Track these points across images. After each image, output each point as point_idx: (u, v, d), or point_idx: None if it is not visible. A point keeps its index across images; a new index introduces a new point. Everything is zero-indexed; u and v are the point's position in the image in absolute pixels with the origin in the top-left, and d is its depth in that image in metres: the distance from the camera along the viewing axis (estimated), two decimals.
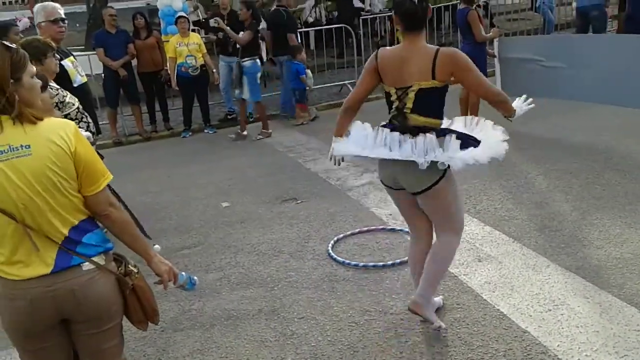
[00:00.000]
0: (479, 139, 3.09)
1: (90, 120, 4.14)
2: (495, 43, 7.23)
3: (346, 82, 10.37)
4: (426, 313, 3.19)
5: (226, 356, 3.30)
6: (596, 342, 3.04)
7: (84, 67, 5.35)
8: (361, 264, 4.15)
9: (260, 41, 10.69)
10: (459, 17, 7.06)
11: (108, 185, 2.20)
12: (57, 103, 3.79)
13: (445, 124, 3.13)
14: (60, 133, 2.05)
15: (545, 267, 3.85)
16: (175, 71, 8.51)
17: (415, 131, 2.96)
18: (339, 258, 4.26)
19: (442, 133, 2.98)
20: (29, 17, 14.24)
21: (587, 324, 3.20)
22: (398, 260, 4.12)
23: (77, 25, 13.24)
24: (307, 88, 9.12)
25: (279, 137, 8.31)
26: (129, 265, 2.30)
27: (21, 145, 1.98)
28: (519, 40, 9.07)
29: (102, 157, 3.00)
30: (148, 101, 9.15)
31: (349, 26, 10.86)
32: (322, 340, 3.33)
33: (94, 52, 8.65)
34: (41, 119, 2.05)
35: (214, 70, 8.85)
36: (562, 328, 3.18)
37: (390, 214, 5.01)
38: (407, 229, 4.59)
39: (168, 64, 8.64)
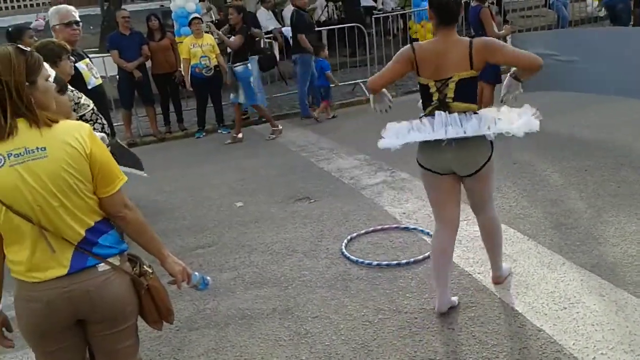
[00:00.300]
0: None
1: (104, 122, 4.17)
2: (509, 39, 7.19)
3: (359, 80, 10.36)
4: (506, 279, 3.69)
5: (241, 355, 3.32)
6: (612, 340, 3.01)
7: (99, 69, 5.40)
8: (375, 262, 4.15)
9: (273, 41, 10.76)
10: (472, 15, 7.02)
11: None
12: (72, 105, 3.83)
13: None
14: (75, 135, 2.06)
15: (561, 265, 3.82)
16: (189, 72, 8.56)
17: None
18: (352, 257, 4.26)
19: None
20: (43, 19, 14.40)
21: (603, 322, 3.17)
22: (412, 259, 4.12)
23: (91, 27, 13.37)
24: (332, 85, 9.16)
25: (292, 136, 8.33)
26: (144, 266, 2.31)
27: (37, 148, 2.00)
28: (532, 36, 9.00)
29: (116, 159, 3.03)
30: (162, 102, 9.21)
31: (360, 25, 10.84)
32: (336, 339, 3.33)
33: (109, 54, 8.72)
34: (56, 122, 2.07)
35: (227, 71, 8.88)
36: (578, 326, 3.16)
37: (404, 213, 5.01)
38: (420, 228, 4.62)
39: (182, 65, 8.68)
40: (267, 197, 5.82)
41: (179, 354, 3.40)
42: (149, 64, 8.90)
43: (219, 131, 9.11)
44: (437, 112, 3.16)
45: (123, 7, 11.87)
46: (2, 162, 1.98)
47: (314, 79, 9.22)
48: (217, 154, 7.95)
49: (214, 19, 11.55)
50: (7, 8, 21.07)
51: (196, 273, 2.44)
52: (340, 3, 13.10)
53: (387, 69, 3.28)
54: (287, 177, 6.44)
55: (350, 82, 10.79)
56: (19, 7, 21.29)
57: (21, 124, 2.01)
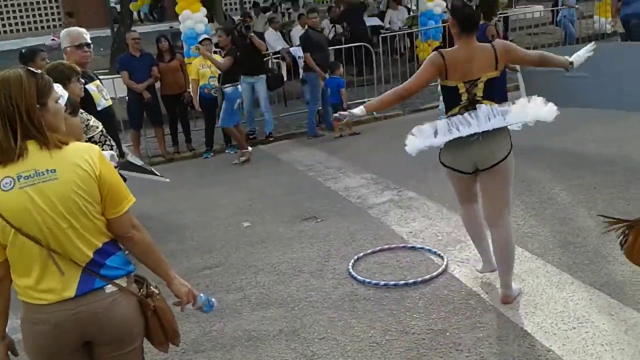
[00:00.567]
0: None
1: (113, 143, 4.21)
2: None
3: (366, 99, 10.39)
4: (515, 298, 3.68)
5: None
6: None
7: (109, 90, 5.45)
8: (382, 282, 4.14)
9: (281, 61, 10.85)
10: (478, 33, 7.04)
11: None
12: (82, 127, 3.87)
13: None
14: (85, 157, 2.08)
15: (569, 284, 3.79)
16: (198, 92, 8.63)
17: None
18: (359, 277, 4.25)
19: None
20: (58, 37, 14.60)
21: (613, 341, 3.14)
22: (419, 279, 4.10)
23: (102, 49, 13.52)
24: (343, 104, 9.26)
25: (299, 155, 8.35)
26: (150, 287, 2.31)
27: (47, 170, 2.02)
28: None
29: (124, 179, 3.05)
30: (171, 123, 9.27)
31: (367, 44, 10.92)
32: None
33: (119, 76, 8.81)
34: (67, 144, 2.09)
35: None
36: (587, 346, 3.13)
37: (411, 232, 4.99)
38: (427, 247, 4.61)
39: (191, 86, 8.76)
40: (274, 217, 5.83)
41: None
42: (157, 84, 8.98)
43: (227, 151, 9.14)
44: (480, 106, 3.46)
45: (133, 28, 12.01)
46: (12, 184, 2.00)
47: (326, 97, 9.29)
48: (225, 174, 7.98)
49: None
50: (18, 30, 21.40)
51: (201, 295, 2.44)
52: (345, 23, 13.21)
53: (420, 75, 3.58)
54: (294, 196, 6.45)
55: (358, 101, 10.82)
56: (30, 29, 21.62)
57: (31, 146, 2.03)
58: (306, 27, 9.80)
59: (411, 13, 14.68)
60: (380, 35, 11.59)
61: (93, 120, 4.10)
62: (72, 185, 2.03)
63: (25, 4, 21.47)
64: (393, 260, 4.51)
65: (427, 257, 4.51)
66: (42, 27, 21.51)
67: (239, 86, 8.17)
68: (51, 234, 2.04)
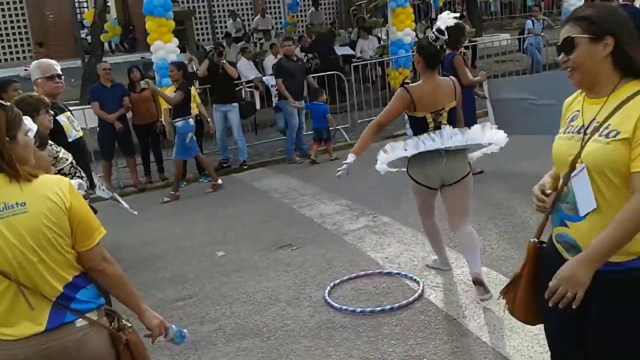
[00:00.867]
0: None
1: (83, 175, 4.14)
2: (485, 85, 7.34)
3: (339, 127, 10.48)
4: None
5: None
6: None
7: (79, 121, 5.39)
8: (359, 309, 4.11)
9: (254, 90, 10.90)
10: (446, 62, 7.17)
11: None
12: (50, 159, 3.80)
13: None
14: (55, 189, 2.06)
15: None
16: (170, 122, 8.58)
17: None
18: (335, 304, 4.22)
19: None
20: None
21: None
22: (396, 305, 4.08)
23: (72, 80, 13.42)
24: (331, 128, 9.47)
25: (273, 183, 8.34)
26: (122, 320, 2.27)
27: (17, 203, 1.99)
28: (508, 81, 9.22)
29: (95, 211, 3.00)
30: (143, 152, 9.21)
31: (339, 72, 11.04)
32: None
33: (89, 106, 8.74)
34: (36, 176, 2.07)
35: (209, 120, 8.94)
36: None
37: (387, 257, 4.99)
38: (403, 272, 4.61)
39: (163, 116, 8.72)
40: (249, 245, 5.78)
41: None
42: (129, 114, 8.93)
43: (201, 180, 9.09)
44: (444, 127, 3.99)
45: (104, 59, 11.98)
46: None
47: (300, 124, 9.37)
48: (199, 203, 7.92)
49: (195, 69, 11.69)
50: None
51: (173, 326, 2.42)
52: (316, 53, 13.38)
53: (391, 109, 4.09)
54: (269, 224, 6.41)
55: (331, 128, 10.89)
56: None
57: (1, 179, 2.01)
58: (278, 55, 9.87)
59: (381, 42, 14.93)
60: (352, 64, 11.74)
61: (63, 152, 4.03)
62: (42, 218, 2.01)
63: None
64: (369, 287, 4.49)
65: (403, 282, 4.50)
66: (12, 59, 21.30)
67: (190, 120, 8.13)
68: (21, 268, 2.00)
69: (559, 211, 2.11)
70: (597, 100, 2.04)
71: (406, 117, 4.25)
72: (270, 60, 12.41)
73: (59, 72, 4.87)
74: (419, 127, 4.05)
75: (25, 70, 16.26)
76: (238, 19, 19.65)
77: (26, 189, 2.02)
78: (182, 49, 11.75)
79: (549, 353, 3.26)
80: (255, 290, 4.71)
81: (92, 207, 2.37)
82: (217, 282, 4.98)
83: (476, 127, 4.10)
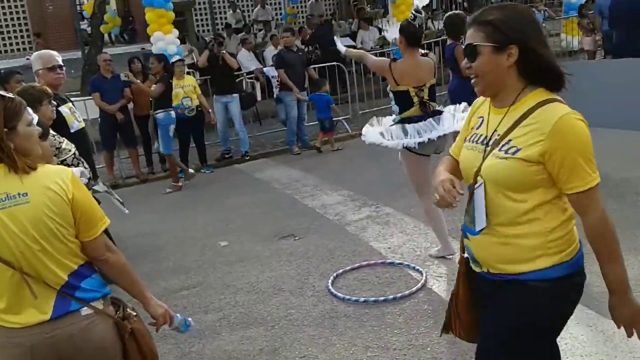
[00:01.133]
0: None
1: (86, 166, 4.15)
2: None
3: (341, 117, 10.46)
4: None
5: None
6: None
7: (80, 112, 5.40)
8: (362, 299, 4.12)
9: (255, 81, 10.88)
10: (447, 52, 7.16)
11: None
12: (53, 149, 3.80)
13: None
14: (57, 180, 2.06)
15: None
16: None
17: (437, 112, 4.44)
18: (339, 294, 4.23)
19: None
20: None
21: (592, 352, 3.17)
22: (399, 294, 4.10)
23: (73, 71, 13.39)
24: (335, 118, 9.50)
25: (275, 174, 8.34)
26: (127, 309, 2.28)
27: (18, 194, 2.00)
28: None
29: (98, 202, 3.00)
30: (144, 143, 9.20)
31: (340, 63, 11.01)
32: None
33: (90, 97, 8.73)
34: (35, 168, 2.06)
35: (210, 111, 8.94)
36: (567, 357, 3.15)
37: (389, 248, 5.00)
38: (406, 262, 4.62)
39: None
40: (252, 236, 5.79)
41: None
42: (130, 105, 8.92)
43: (202, 171, 9.09)
44: (443, 113, 4.42)
45: (104, 50, 11.95)
46: None
47: (301, 115, 9.37)
48: (201, 193, 7.92)
49: (195, 60, 11.65)
50: None
51: (178, 315, 2.43)
52: (317, 45, 13.34)
53: (374, 61, 4.66)
54: (271, 214, 6.42)
55: (334, 119, 10.87)
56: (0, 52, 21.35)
57: (0, 170, 2.01)
58: (278, 47, 9.84)
59: (382, 33, 14.86)
60: None
61: (65, 143, 4.03)
62: (44, 209, 2.01)
63: None
64: (372, 277, 4.50)
65: (406, 272, 4.51)
66: (12, 50, 21.25)
67: (171, 112, 8.10)
68: (24, 257, 2.01)
69: (464, 223, 2.05)
70: (501, 110, 1.96)
71: (391, 95, 4.63)
72: (270, 52, 12.37)
73: (60, 63, 4.87)
74: (404, 101, 4.40)
75: (28, 59, 16.25)
76: (238, 10, 19.58)
77: (27, 179, 2.02)
78: (182, 40, 11.73)
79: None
80: (259, 280, 4.72)
81: (95, 198, 2.37)
82: (220, 272, 4.99)
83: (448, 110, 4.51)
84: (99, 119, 8.80)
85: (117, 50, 16.67)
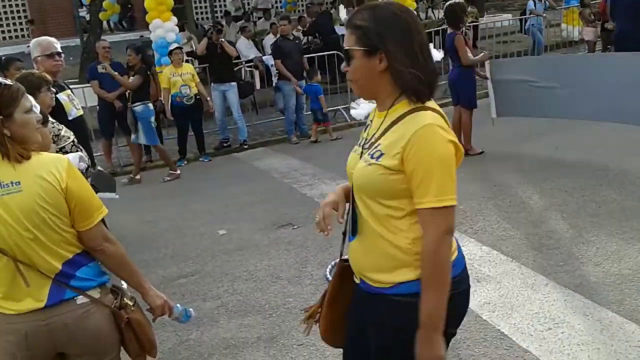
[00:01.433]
0: None
1: (85, 153, 4.14)
2: (487, 65, 7.29)
3: (340, 107, 10.44)
4: None
5: None
6: (597, 359, 3.02)
7: (79, 99, 5.38)
8: None
9: (254, 70, 10.85)
10: (447, 42, 7.15)
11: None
12: (52, 137, 3.80)
13: None
14: (51, 169, 2.04)
15: (544, 286, 3.84)
16: (170, 101, 8.57)
17: None
18: None
19: None
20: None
21: (588, 341, 3.18)
22: None
23: (71, 58, 13.34)
24: (324, 110, 9.41)
25: (273, 163, 8.33)
26: (125, 299, 2.26)
27: (11, 182, 1.99)
28: (511, 62, 9.16)
29: (96, 190, 2.99)
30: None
31: (339, 52, 10.97)
32: None
33: (89, 85, 8.70)
34: (29, 157, 2.04)
35: (208, 99, 8.92)
36: (563, 346, 3.17)
37: None
38: None
39: (162, 95, 8.69)
40: (250, 224, 5.79)
41: None
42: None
43: (201, 159, 9.10)
44: None
45: (103, 38, 11.89)
46: None
47: (300, 104, 9.32)
48: (199, 182, 7.92)
49: (194, 48, 11.61)
50: None
51: (178, 305, 2.42)
52: (317, 33, 13.30)
53: None
54: (270, 203, 6.42)
55: (331, 108, 10.86)
56: None
57: None
58: (277, 35, 9.81)
59: None
60: None
61: (64, 130, 4.02)
62: (37, 198, 2.00)
63: None
64: None
65: None
66: (10, 37, 21.16)
67: (149, 104, 8.06)
68: (17, 246, 2.01)
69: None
70: (381, 114, 1.88)
71: None
72: (269, 40, 12.33)
73: (59, 49, 4.85)
74: None
75: (28, 47, 16.19)
76: None
77: (20, 168, 2.01)
78: (181, 27, 11.67)
79: (549, 331, 3.32)
80: (257, 268, 4.73)
81: (93, 186, 2.36)
82: (218, 260, 5.00)
83: None
84: (97, 107, 8.78)
85: (115, 37, 16.61)
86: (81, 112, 4.87)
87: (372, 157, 1.81)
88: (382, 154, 1.79)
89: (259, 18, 17.27)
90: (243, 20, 15.72)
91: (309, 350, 3.47)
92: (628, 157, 6.19)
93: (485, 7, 18.47)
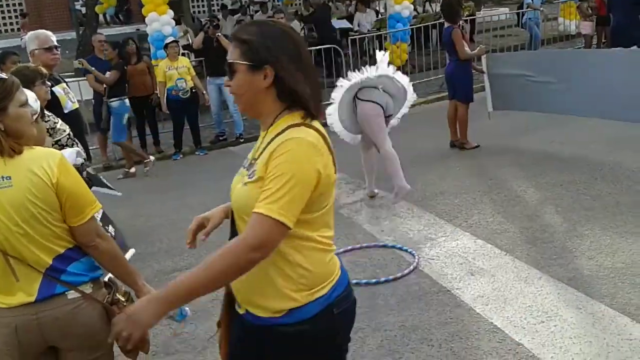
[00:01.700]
0: None
1: (80, 147, 4.14)
2: (484, 60, 7.30)
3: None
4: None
5: None
6: (590, 352, 3.04)
7: (74, 93, 5.37)
8: (354, 281, 4.14)
9: None
10: (445, 36, 7.14)
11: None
12: (48, 130, 3.79)
13: None
14: (42, 164, 2.02)
15: (538, 279, 3.86)
16: (165, 95, 8.55)
17: None
18: None
19: None
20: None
21: (580, 334, 3.20)
22: (391, 277, 4.12)
23: (67, 51, 13.30)
24: None
25: None
26: (117, 294, 2.26)
27: (2, 177, 1.98)
28: (507, 56, 9.15)
29: (90, 185, 2.99)
30: (138, 125, 9.17)
31: (336, 46, 10.96)
32: None
33: (84, 78, 8.68)
34: (20, 152, 2.03)
35: (204, 92, 8.90)
36: (556, 339, 3.18)
37: (383, 231, 5.02)
38: (399, 245, 4.64)
39: (158, 88, 8.68)
40: None
41: None
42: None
43: (196, 153, 9.09)
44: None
45: (99, 31, 11.85)
46: None
47: None
48: (195, 175, 7.91)
49: (190, 41, 11.58)
50: None
51: None
52: (313, 26, 13.27)
53: None
54: None
55: (327, 102, 10.84)
56: None
57: None
58: None
59: (379, 16, 14.78)
60: (350, 38, 11.64)
61: (60, 124, 4.01)
62: (26, 193, 1.99)
63: None
64: (365, 259, 4.52)
65: (398, 255, 4.54)
66: (6, 31, 21.07)
67: (126, 100, 8.05)
68: (7, 240, 2.00)
69: None
70: (263, 132, 1.82)
71: None
72: None
73: (56, 43, 4.83)
74: None
75: (22, 39, 16.12)
76: None
77: (11, 162, 2.00)
78: (177, 21, 11.63)
79: (542, 324, 3.34)
80: None
81: (88, 181, 2.35)
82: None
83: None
84: (93, 101, 8.76)
85: (111, 31, 16.53)
86: (77, 106, 4.86)
87: (249, 177, 1.73)
88: (254, 173, 1.72)
89: (256, 11, 17.21)
90: (240, 14, 15.70)
91: None
92: (623, 151, 6.20)
93: (482, 1, 18.46)
